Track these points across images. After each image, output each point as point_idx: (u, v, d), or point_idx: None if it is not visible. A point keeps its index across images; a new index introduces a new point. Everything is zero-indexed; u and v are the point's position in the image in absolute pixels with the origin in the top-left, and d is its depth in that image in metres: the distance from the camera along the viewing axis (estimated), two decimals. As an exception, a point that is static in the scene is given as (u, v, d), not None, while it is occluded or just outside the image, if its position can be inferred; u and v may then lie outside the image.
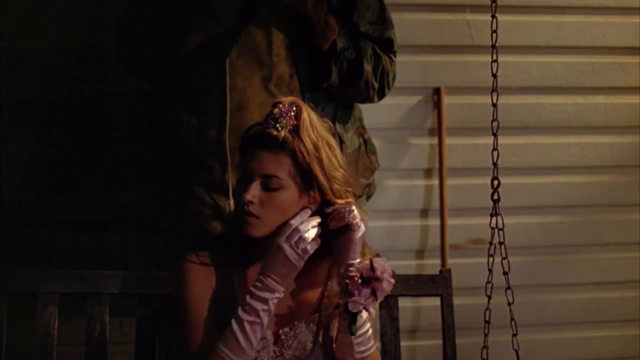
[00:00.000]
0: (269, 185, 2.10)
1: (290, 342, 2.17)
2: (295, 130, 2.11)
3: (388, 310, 2.48)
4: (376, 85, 2.81)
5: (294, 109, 2.12)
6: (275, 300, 2.08)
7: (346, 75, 2.74)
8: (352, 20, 2.78)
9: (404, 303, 3.45)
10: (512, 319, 2.27)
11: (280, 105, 2.12)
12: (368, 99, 2.86)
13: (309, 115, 2.13)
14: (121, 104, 3.33)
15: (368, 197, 2.98)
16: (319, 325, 2.19)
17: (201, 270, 2.19)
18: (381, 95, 2.86)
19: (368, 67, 2.77)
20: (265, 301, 2.07)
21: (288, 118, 2.11)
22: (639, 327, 3.86)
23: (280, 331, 2.17)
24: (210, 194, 2.69)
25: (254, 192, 2.09)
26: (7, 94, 3.29)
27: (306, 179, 2.12)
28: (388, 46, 2.85)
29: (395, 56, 2.88)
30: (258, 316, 2.07)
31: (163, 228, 2.84)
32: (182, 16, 2.65)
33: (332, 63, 2.71)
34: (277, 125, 2.09)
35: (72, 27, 3.38)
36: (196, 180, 2.71)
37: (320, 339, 2.18)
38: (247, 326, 2.06)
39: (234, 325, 2.06)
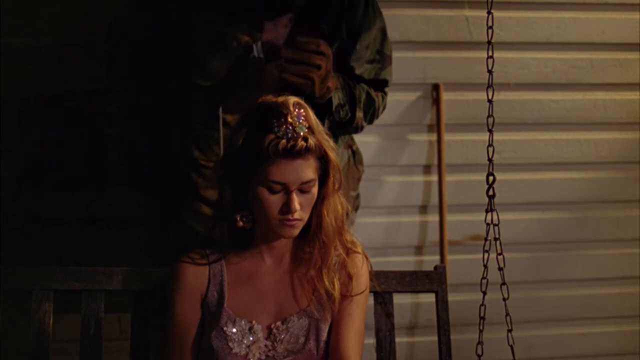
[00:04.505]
0: (305, 189, 2.16)
1: (283, 335, 2.18)
2: (310, 128, 2.15)
3: (383, 306, 2.47)
4: (365, 125, 2.82)
5: (301, 110, 2.16)
6: None
7: (338, 122, 2.73)
8: (348, 64, 2.73)
9: (402, 299, 3.47)
10: (507, 314, 2.27)
11: (291, 111, 2.14)
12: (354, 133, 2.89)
13: (307, 108, 2.19)
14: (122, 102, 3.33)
15: (356, 209, 2.99)
16: (310, 318, 2.21)
17: (193, 272, 2.24)
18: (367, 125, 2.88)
19: (360, 114, 2.75)
20: None
21: (303, 120, 2.15)
22: (639, 323, 3.86)
23: (272, 325, 2.20)
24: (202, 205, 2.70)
25: (296, 202, 2.14)
26: (6, 90, 3.30)
27: (322, 166, 2.19)
28: (383, 85, 2.83)
29: (387, 90, 2.86)
30: None
31: (161, 225, 2.85)
32: (172, 53, 2.60)
33: (325, 116, 2.66)
34: (301, 134, 2.12)
35: (71, 24, 3.38)
36: (188, 189, 2.71)
37: (312, 332, 2.20)
38: None
39: None
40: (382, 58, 2.79)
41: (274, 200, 2.14)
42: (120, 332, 3.32)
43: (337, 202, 2.25)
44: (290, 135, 2.11)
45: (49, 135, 3.38)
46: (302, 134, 2.12)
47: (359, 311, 2.27)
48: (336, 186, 2.22)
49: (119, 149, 3.25)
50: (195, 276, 2.23)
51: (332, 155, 2.19)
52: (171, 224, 2.75)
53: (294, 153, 2.11)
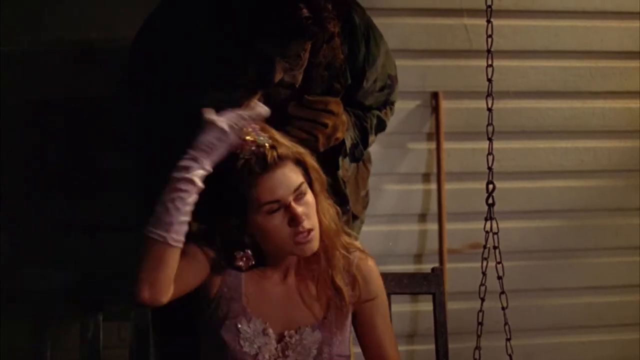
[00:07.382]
0: (299, 196, 2.12)
1: (295, 346, 2.17)
2: (272, 138, 2.13)
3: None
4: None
5: (255, 126, 2.12)
6: (200, 172, 2.04)
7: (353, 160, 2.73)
8: (356, 99, 2.69)
9: (402, 307, 3.47)
10: (505, 323, 2.28)
11: (247, 131, 2.11)
12: None
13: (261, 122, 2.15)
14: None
15: (365, 206, 2.99)
16: (325, 333, 2.19)
17: (202, 256, 2.18)
18: None
19: (373, 138, 2.74)
20: (187, 169, 2.03)
21: (261, 132, 2.12)
22: (638, 331, 3.85)
23: (286, 332, 2.18)
24: None
25: (299, 210, 2.10)
26: (8, 95, 3.30)
27: (303, 171, 2.15)
28: (391, 103, 2.82)
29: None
30: (181, 189, 2.03)
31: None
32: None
33: (339, 156, 2.63)
34: (266, 145, 2.10)
35: (71, 29, 3.39)
36: None
37: (325, 346, 2.18)
38: (170, 199, 2.03)
39: (159, 206, 2.04)
40: (391, 82, 2.76)
41: (277, 223, 2.11)
42: (119, 340, 3.31)
43: (327, 203, 2.22)
44: (256, 151, 2.09)
45: (51, 139, 3.38)
46: (267, 144, 2.10)
47: (380, 315, 2.27)
48: (319, 188, 2.19)
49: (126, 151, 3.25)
50: (211, 261, 2.18)
51: (307, 159, 2.17)
52: None
53: (268, 165, 2.08)
